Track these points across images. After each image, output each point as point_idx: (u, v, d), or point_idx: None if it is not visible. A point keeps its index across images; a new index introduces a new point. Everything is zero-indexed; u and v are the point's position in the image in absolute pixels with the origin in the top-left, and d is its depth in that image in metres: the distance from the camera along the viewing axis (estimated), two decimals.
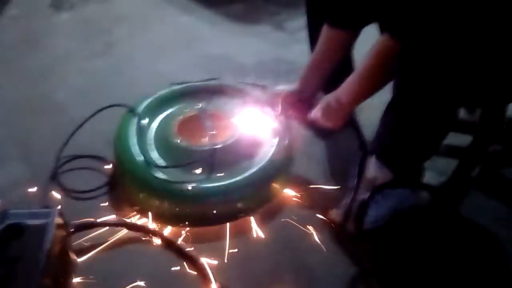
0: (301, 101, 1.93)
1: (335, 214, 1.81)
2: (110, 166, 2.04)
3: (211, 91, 2.20)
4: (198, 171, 1.86)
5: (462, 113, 2.18)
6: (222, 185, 1.81)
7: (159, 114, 2.09)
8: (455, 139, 2.07)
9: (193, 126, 2.02)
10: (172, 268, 1.69)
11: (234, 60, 2.74)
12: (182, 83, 2.23)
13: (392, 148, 1.72)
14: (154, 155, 1.92)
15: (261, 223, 1.84)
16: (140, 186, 1.86)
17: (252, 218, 1.84)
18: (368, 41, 1.70)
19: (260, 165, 1.87)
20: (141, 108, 2.07)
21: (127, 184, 1.92)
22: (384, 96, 1.70)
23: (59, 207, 1.56)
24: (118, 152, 1.97)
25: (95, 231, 1.76)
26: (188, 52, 2.83)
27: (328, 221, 1.83)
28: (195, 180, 1.82)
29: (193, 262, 1.68)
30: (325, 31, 1.87)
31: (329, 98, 1.77)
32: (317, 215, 1.86)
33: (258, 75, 2.59)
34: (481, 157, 2.00)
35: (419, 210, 1.86)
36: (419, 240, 1.78)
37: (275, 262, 1.71)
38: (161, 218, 1.83)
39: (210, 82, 2.25)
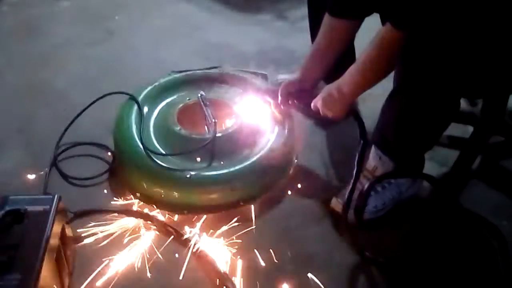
0: (302, 91, 1.92)
1: (336, 203, 1.81)
2: (110, 153, 2.04)
3: (211, 80, 2.19)
4: (198, 159, 1.86)
5: (464, 104, 2.18)
6: (222, 173, 1.80)
7: (159, 102, 2.08)
8: (456, 130, 2.07)
9: (193, 115, 2.01)
10: (172, 255, 1.69)
11: (234, 48, 2.74)
12: (182, 71, 2.22)
13: (393, 138, 1.72)
14: (154, 143, 1.91)
15: (261, 212, 1.84)
16: (140, 174, 1.86)
17: (252, 207, 1.84)
18: (370, 31, 1.69)
19: (261, 154, 1.87)
20: (141, 96, 2.06)
21: (127, 171, 1.92)
22: (385, 85, 1.69)
23: (59, 194, 1.56)
24: (118, 140, 1.96)
25: (95, 218, 1.76)
26: (188, 40, 2.83)
27: (328, 210, 1.83)
28: (195, 168, 1.82)
29: (193, 249, 1.69)
30: (326, 21, 1.86)
31: (330, 88, 1.77)
32: (318, 204, 1.87)
33: (259, 64, 2.59)
34: (482, 148, 2.00)
35: (420, 201, 1.87)
36: (420, 230, 1.79)
37: (275, 251, 1.70)
38: (161, 205, 1.83)
39: (211, 71, 2.24)
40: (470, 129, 2.04)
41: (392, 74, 1.65)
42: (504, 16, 1.39)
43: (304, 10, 2.19)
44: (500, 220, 1.80)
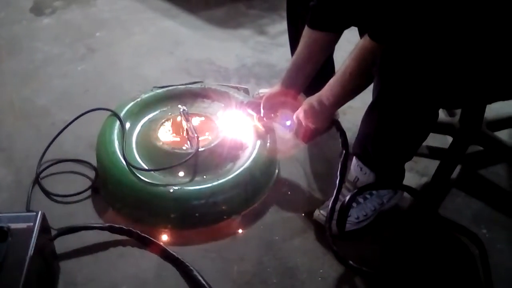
0: (283, 103, 1.94)
1: (318, 215, 1.82)
2: (93, 170, 2.04)
3: (193, 95, 2.21)
4: (181, 174, 1.87)
5: (442, 115, 2.21)
6: (205, 187, 1.81)
7: (141, 118, 2.09)
8: (435, 140, 2.11)
9: (175, 129, 2.03)
10: (156, 271, 1.69)
11: (216, 63, 2.76)
12: (164, 87, 2.24)
13: (372, 149, 1.74)
14: (137, 158, 1.92)
15: (245, 225, 1.85)
16: (122, 190, 1.86)
17: (235, 220, 1.85)
18: (349, 43, 1.72)
19: (243, 167, 1.88)
20: (123, 112, 2.06)
21: (109, 187, 1.92)
22: (365, 98, 1.72)
23: (43, 211, 1.56)
24: (100, 156, 1.96)
25: (79, 235, 1.75)
26: (170, 56, 2.84)
27: (311, 222, 1.85)
28: (178, 183, 1.82)
29: (178, 264, 1.69)
30: (306, 33, 1.88)
31: (311, 100, 1.79)
32: (301, 216, 1.88)
33: (240, 79, 2.62)
34: (461, 158, 2.03)
35: (401, 211, 1.89)
36: (402, 239, 1.81)
37: (259, 264, 1.72)
38: (144, 221, 1.83)
39: (192, 86, 2.26)
40: (449, 139, 2.07)
41: (371, 87, 1.68)
42: (482, 27, 1.41)
43: (283, 25, 2.22)
44: (480, 228, 1.83)
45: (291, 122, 1.92)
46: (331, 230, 1.74)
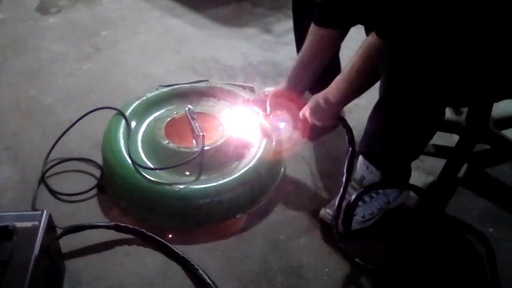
0: (289, 101, 1.93)
1: (325, 213, 1.82)
2: (99, 168, 2.04)
3: (199, 93, 2.21)
4: (187, 173, 1.87)
5: (449, 113, 2.20)
6: (210, 186, 1.81)
7: (147, 117, 2.09)
8: (442, 139, 2.10)
9: (181, 128, 2.02)
10: (162, 270, 1.69)
11: (222, 62, 2.75)
12: (169, 85, 2.23)
13: (379, 148, 1.73)
14: (142, 157, 1.92)
15: (250, 224, 1.84)
16: (128, 188, 1.86)
17: (241, 219, 1.85)
18: (355, 42, 1.71)
19: (249, 166, 1.88)
20: (128, 110, 2.06)
21: (115, 186, 1.92)
22: (371, 97, 1.71)
23: (48, 210, 1.56)
24: (106, 155, 1.96)
25: (84, 234, 1.75)
26: (176, 55, 2.84)
27: (317, 221, 1.84)
28: (184, 182, 1.82)
29: (183, 262, 1.69)
30: (312, 30, 1.87)
31: (317, 97, 1.78)
32: (306, 215, 1.87)
33: (246, 77, 2.62)
34: (468, 156, 2.02)
35: (407, 209, 1.88)
36: (408, 238, 1.80)
37: (264, 263, 1.71)
38: (150, 219, 1.83)
39: (198, 84, 2.26)
40: (456, 138, 2.06)
41: (377, 85, 1.67)
42: (489, 25, 1.40)
43: (289, 24, 2.21)
44: (487, 227, 1.82)
45: (285, 124, 1.93)
46: (337, 227, 1.73)
